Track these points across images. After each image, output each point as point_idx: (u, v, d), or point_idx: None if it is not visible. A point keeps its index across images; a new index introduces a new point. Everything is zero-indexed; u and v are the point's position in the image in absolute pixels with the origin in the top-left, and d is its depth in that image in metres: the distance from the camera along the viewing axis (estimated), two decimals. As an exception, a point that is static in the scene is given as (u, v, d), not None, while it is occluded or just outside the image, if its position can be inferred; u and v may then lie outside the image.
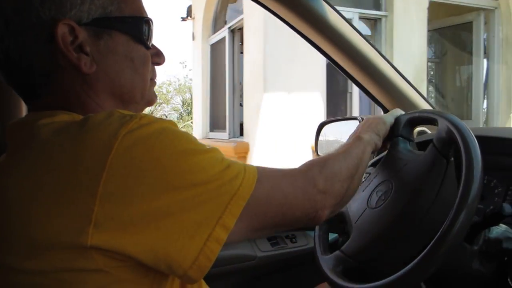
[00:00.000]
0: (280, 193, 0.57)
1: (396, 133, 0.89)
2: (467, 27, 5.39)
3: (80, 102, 0.59)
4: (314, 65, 4.17)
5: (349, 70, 1.19)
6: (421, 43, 4.90)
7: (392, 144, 0.88)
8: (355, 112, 4.67)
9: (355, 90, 4.60)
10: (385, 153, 0.92)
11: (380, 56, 1.16)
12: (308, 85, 4.30)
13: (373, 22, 4.93)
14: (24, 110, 1.04)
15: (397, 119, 0.91)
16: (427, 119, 0.87)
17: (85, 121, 0.50)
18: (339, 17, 1.11)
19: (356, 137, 0.79)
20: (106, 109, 0.58)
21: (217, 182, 0.50)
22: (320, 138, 1.22)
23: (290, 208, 0.58)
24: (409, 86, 1.21)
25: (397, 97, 1.20)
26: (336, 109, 4.80)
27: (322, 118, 4.07)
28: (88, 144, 0.47)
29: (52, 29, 0.54)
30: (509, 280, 0.76)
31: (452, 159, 0.78)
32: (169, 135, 0.49)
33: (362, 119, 1.18)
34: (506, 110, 5.16)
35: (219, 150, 0.54)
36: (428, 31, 5.00)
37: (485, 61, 5.38)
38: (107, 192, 0.45)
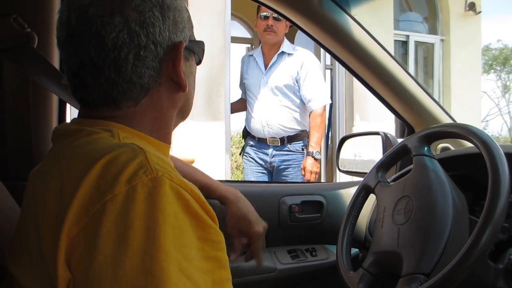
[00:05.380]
0: None
1: (417, 150, 0.87)
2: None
3: (155, 117, 0.60)
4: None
5: (372, 85, 1.19)
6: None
7: (414, 161, 0.87)
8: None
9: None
10: (405, 169, 0.92)
11: (403, 70, 1.16)
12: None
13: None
14: (55, 113, 1.05)
15: (418, 135, 0.89)
16: (449, 134, 0.86)
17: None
18: (362, 30, 1.12)
19: None
20: (170, 125, 0.62)
21: None
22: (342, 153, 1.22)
23: None
24: (432, 100, 1.20)
25: (420, 112, 1.20)
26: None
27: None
28: None
29: (170, 48, 0.58)
30: None
31: None
32: None
33: (385, 134, 1.18)
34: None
35: None
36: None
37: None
38: None
